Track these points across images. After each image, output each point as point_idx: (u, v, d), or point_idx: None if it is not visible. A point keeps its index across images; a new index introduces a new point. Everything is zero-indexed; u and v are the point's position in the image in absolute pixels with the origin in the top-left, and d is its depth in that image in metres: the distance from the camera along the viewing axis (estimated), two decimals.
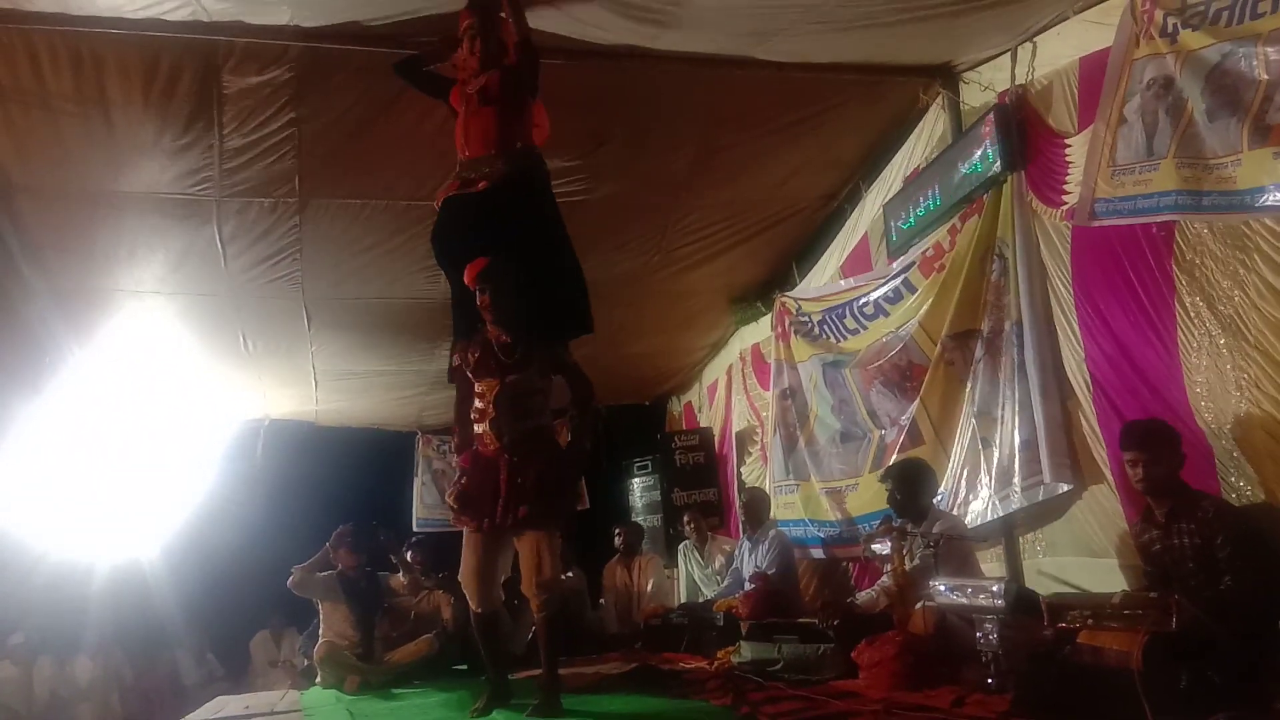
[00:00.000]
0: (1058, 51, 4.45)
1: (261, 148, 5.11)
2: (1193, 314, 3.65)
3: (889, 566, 4.53)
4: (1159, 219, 3.71)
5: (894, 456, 5.34)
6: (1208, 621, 2.73)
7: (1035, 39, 4.58)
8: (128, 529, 8.17)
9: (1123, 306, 3.98)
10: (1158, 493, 3.44)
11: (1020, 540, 4.77)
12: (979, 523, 4.74)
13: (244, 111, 4.86)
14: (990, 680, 3.48)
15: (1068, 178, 4.26)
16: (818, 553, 6.34)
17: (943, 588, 3.82)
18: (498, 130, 4.32)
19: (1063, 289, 4.36)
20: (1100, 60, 4.06)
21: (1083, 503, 4.31)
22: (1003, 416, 4.63)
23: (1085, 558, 4.29)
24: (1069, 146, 4.27)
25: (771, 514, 6.59)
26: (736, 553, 6.64)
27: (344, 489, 8.65)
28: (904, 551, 4.41)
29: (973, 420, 4.85)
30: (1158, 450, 3.42)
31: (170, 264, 6.10)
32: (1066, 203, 4.26)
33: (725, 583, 6.61)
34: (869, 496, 5.65)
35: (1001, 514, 4.63)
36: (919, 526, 4.49)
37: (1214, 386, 3.58)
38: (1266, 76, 3.26)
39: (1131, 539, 3.74)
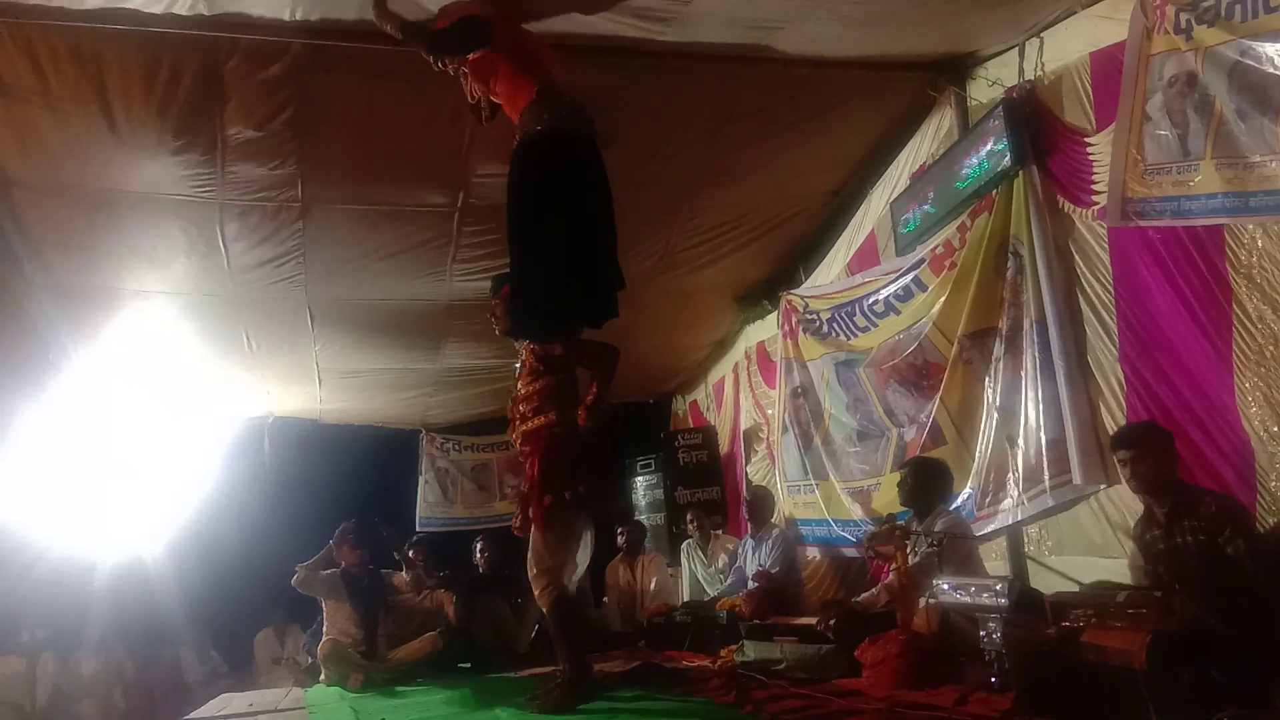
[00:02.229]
0: (1067, 46, 4.41)
1: (264, 150, 5.07)
2: (1255, 317, 3.53)
3: (893, 565, 4.50)
4: (1207, 222, 3.60)
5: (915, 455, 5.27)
6: (1211, 620, 2.70)
7: (1043, 34, 4.54)
8: (131, 526, 8.18)
9: (1171, 307, 3.85)
10: (1151, 491, 3.43)
11: (1025, 538, 4.74)
12: (1009, 523, 4.65)
13: (246, 113, 4.82)
14: (993, 679, 3.46)
15: (1094, 176, 4.18)
16: (850, 552, 6.23)
17: (946, 586, 3.81)
18: (513, 114, 4.23)
19: (1098, 287, 4.25)
20: (1113, 55, 4.01)
21: (1091, 502, 4.26)
22: (1027, 415, 4.55)
23: (1093, 558, 4.25)
24: (1091, 144, 4.20)
25: (788, 513, 6.57)
26: (740, 551, 6.63)
27: (347, 487, 8.67)
28: (907, 550, 4.39)
29: (995, 419, 4.77)
30: (1144, 448, 3.42)
31: (173, 263, 6.08)
32: (1097, 202, 4.17)
33: (728, 581, 6.59)
34: (892, 496, 5.49)
35: (1032, 514, 4.53)
36: (922, 524, 4.47)
37: (1268, 390, 3.48)
38: None
39: (1134, 540, 3.70)
